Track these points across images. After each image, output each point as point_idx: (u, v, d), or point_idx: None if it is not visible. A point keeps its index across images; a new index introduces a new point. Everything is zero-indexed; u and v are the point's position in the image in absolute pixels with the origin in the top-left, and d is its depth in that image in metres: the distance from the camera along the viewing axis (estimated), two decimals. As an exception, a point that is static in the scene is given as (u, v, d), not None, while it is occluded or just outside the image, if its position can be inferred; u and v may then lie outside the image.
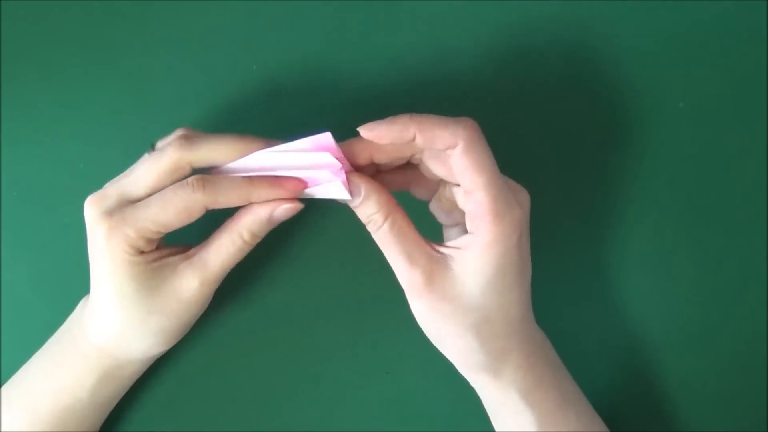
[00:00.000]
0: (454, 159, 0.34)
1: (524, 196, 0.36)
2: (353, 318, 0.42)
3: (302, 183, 0.35)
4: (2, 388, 0.39)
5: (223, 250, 0.36)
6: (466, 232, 0.35)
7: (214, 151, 0.35)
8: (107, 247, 0.35)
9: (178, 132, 0.36)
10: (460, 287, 0.34)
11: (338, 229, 0.41)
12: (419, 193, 0.39)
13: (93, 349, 0.37)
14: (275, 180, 0.35)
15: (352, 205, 0.36)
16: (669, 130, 0.43)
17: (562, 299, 0.42)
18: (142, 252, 0.35)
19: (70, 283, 0.40)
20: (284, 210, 0.35)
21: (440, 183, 0.38)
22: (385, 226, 0.35)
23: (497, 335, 0.35)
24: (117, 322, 0.36)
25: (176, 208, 0.34)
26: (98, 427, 0.40)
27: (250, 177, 0.35)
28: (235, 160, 0.35)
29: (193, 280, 0.36)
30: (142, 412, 0.42)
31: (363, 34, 0.43)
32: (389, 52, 0.43)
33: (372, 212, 0.35)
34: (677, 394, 0.42)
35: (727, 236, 0.42)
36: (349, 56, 0.43)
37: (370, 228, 0.35)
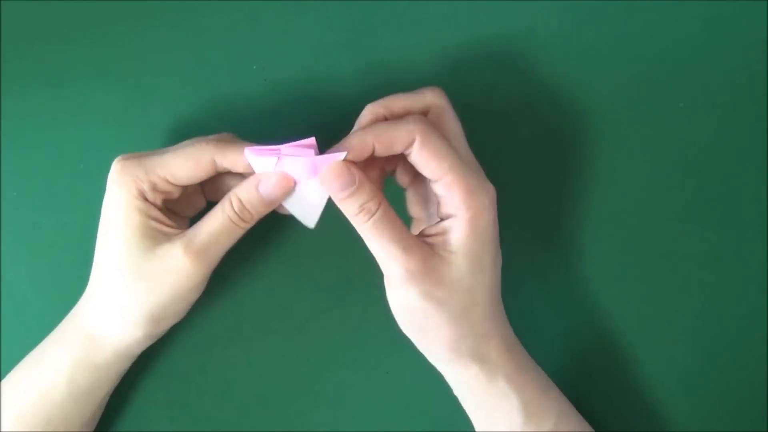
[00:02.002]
0: (413, 156, 0.35)
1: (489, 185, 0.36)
2: (353, 318, 0.42)
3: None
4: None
5: (212, 219, 0.36)
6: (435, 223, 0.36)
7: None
8: (117, 184, 0.36)
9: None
10: (452, 271, 0.35)
11: (338, 228, 0.41)
12: (402, 179, 0.40)
13: (74, 327, 0.38)
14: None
15: (341, 195, 0.35)
16: (669, 130, 0.43)
17: (561, 301, 0.42)
18: (146, 199, 0.36)
19: (70, 283, 0.40)
20: (272, 181, 0.36)
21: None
22: (378, 214, 0.35)
23: (485, 317, 0.36)
24: (105, 283, 0.36)
25: (186, 155, 0.36)
26: (92, 428, 0.40)
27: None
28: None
29: (178, 247, 0.36)
30: (140, 412, 0.42)
31: (363, 35, 0.43)
32: (389, 52, 0.43)
33: (365, 200, 0.35)
34: (676, 393, 0.42)
35: (727, 236, 0.42)
36: (349, 56, 0.43)
37: (361, 218, 0.35)
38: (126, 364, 0.40)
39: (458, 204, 0.34)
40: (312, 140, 0.35)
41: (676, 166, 0.43)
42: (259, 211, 0.36)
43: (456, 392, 0.38)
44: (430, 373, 0.38)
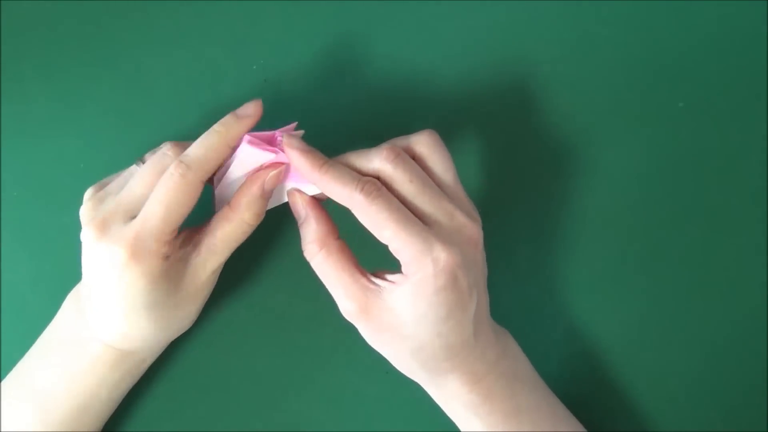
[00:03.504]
0: (356, 215, 0.34)
1: (469, 230, 0.35)
2: (353, 318, 0.42)
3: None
4: (2, 383, 0.39)
5: (230, 237, 0.36)
6: None
7: (210, 159, 0.35)
8: (136, 268, 0.34)
9: (165, 146, 0.36)
10: (394, 318, 0.34)
11: (338, 228, 0.41)
12: None
13: (116, 352, 0.37)
14: (235, 114, 0.36)
15: (298, 222, 0.36)
16: (669, 130, 0.43)
17: (561, 302, 0.42)
18: (167, 256, 0.35)
19: (70, 283, 0.40)
20: (273, 177, 0.36)
21: None
22: (320, 257, 0.35)
23: (436, 358, 0.35)
24: (149, 327, 0.36)
25: (177, 201, 0.34)
26: (100, 428, 0.40)
27: (214, 126, 0.35)
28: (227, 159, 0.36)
29: (208, 270, 0.37)
30: (141, 412, 0.42)
31: (362, 35, 0.43)
32: (389, 53, 0.43)
33: (308, 240, 0.36)
34: (676, 394, 0.42)
35: (727, 236, 0.42)
36: (349, 56, 0.43)
37: (306, 255, 0.36)
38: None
39: (405, 268, 0.34)
40: (294, 125, 0.37)
41: (676, 166, 0.43)
42: (265, 208, 0.37)
43: None
44: (430, 373, 0.38)
